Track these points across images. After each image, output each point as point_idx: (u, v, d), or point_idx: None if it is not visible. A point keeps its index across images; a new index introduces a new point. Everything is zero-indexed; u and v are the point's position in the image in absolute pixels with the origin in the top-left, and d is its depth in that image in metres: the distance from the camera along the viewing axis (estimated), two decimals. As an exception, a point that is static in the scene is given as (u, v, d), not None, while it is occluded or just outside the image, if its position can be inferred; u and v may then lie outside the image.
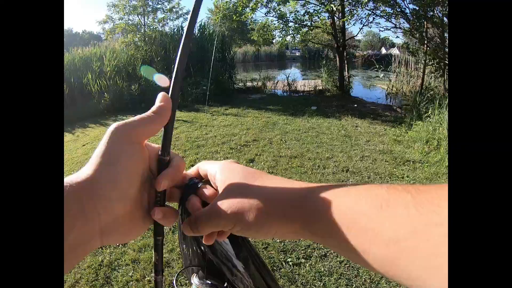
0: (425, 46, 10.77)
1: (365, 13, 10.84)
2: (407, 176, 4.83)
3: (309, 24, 11.27)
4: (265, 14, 10.96)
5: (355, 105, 9.68)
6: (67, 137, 7.32)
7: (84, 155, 5.94)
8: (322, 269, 2.81)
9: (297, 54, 37.30)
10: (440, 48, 11.26)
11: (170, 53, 11.48)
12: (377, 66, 15.07)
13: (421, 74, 13.97)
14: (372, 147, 5.98)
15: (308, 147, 5.87)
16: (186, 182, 0.49)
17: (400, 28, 11.41)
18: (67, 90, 9.39)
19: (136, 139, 0.42)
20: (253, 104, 9.57)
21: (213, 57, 11.19)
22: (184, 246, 0.56)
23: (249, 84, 13.02)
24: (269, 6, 10.69)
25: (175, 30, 12.71)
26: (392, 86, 13.61)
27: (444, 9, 10.04)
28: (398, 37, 13.99)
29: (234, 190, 0.42)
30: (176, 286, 2.02)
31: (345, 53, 11.86)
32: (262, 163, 5.19)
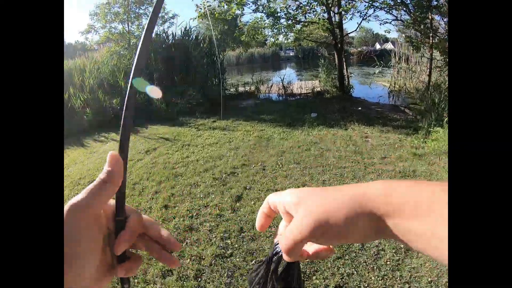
0: (431, 38, 9.43)
1: (364, 5, 9.56)
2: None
3: (303, 19, 9.95)
4: (253, 11, 9.57)
5: (359, 108, 8.33)
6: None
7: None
8: None
9: (291, 54, 35.87)
10: (447, 40, 9.94)
11: (155, 61, 10.10)
12: (378, 63, 13.76)
13: (426, 69, 12.81)
14: (390, 168, 4.65)
15: (311, 173, 4.51)
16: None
17: (401, 20, 10.03)
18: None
19: (92, 215, 0.41)
20: (245, 113, 8.20)
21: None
22: None
23: (241, 88, 11.65)
24: (258, 3, 9.33)
25: (163, 36, 11.23)
26: (395, 83, 12.28)
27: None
28: (395, 31, 12.84)
29: (313, 200, 0.42)
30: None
31: (343, 50, 10.52)
32: (252, 202, 3.84)
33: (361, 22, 9.92)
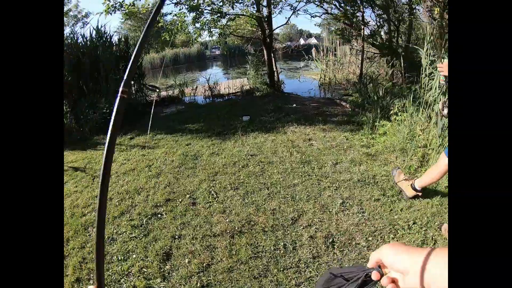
0: (363, 31, 8.88)
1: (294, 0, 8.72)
2: (414, 223, 2.89)
3: (230, 12, 8.80)
4: (174, 4, 8.11)
5: (294, 105, 7.43)
6: None
7: None
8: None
9: (217, 53, 34.54)
10: (378, 32, 9.51)
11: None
12: (306, 57, 13.19)
13: (356, 60, 12.44)
14: (347, 176, 3.75)
15: (255, 201, 3.39)
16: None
17: (331, 14, 9.35)
18: None
19: None
20: (168, 123, 6.82)
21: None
22: None
23: (163, 93, 10.19)
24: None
25: (72, 38, 9.13)
26: (324, 75, 11.72)
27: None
28: (322, 26, 12.25)
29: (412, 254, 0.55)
30: None
31: (272, 46, 9.59)
32: (186, 259, 2.66)
33: (291, 15, 9.04)
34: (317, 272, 2.40)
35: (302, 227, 2.93)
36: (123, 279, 2.50)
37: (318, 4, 8.80)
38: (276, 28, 9.36)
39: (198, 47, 30.98)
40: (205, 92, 9.81)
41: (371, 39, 9.33)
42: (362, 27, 8.85)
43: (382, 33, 9.46)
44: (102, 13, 8.29)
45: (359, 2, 8.53)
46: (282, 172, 3.96)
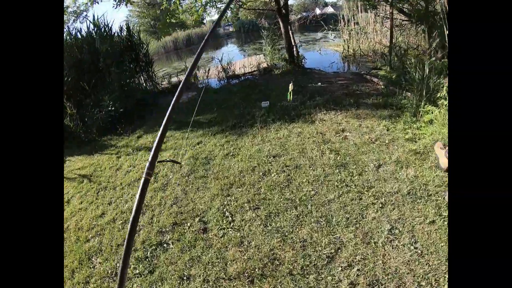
0: None
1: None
2: None
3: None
4: None
5: (319, 83, 6.43)
6: None
7: None
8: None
9: (231, 30, 33.06)
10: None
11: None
12: (326, 27, 11.94)
13: (382, 29, 11.11)
14: (394, 186, 2.87)
15: (280, 228, 2.56)
16: None
17: None
18: None
19: None
20: (177, 114, 6.00)
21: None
22: None
23: (175, 79, 9.33)
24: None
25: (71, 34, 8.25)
26: (348, 46, 10.49)
27: None
28: None
29: None
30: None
31: (289, 17, 8.49)
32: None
33: None
34: None
35: (340, 268, 2.11)
36: None
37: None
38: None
39: (211, 26, 29.50)
40: (219, 74, 8.88)
41: (400, 4, 8.08)
42: None
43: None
44: (87, 3, 7.45)
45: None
46: (313, 182, 3.08)
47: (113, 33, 8.39)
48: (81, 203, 3.69)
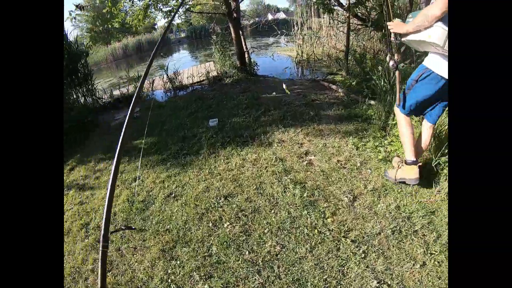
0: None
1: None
2: None
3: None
4: None
5: (273, 93, 5.71)
6: None
7: None
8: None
9: (183, 36, 31.82)
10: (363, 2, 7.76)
11: None
12: (280, 32, 11.32)
13: (338, 34, 10.65)
14: (375, 226, 2.29)
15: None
16: None
17: None
18: None
19: None
20: (115, 137, 5.03)
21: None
22: None
23: (116, 92, 8.22)
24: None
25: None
26: (302, 51, 9.93)
27: None
28: None
29: None
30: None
31: (240, 21, 7.73)
32: None
33: None
34: None
35: None
36: None
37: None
38: (241, 0, 7.45)
39: (162, 32, 28.20)
40: (165, 85, 7.91)
41: (356, 9, 7.62)
42: None
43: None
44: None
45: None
46: (278, 231, 2.32)
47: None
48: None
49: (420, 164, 2.55)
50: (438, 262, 1.89)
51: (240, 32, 7.63)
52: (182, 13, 7.18)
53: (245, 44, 7.83)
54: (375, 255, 2.00)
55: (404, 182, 2.55)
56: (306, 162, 3.20)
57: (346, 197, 2.56)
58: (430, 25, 1.89)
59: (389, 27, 2.28)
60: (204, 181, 3.15)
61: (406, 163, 2.50)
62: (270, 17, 33.57)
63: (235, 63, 7.89)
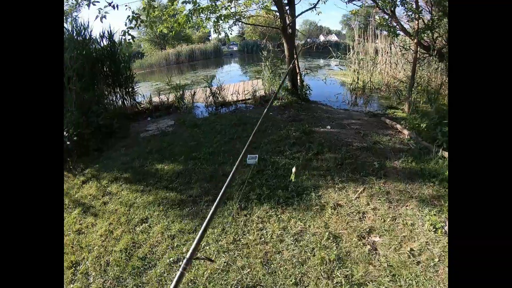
0: (417, 22, 5.95)
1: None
2: None
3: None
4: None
5: (328, 127, 4.73)
6: None
7: None
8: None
9: (235, 49, 31.55)
10: (433, 26, 6.63)
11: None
12: (336, 55, 10.32)
13: (399, 61, 9.49)
14: None
15: None
16: None
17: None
18: None
19: None
20: (136, 157, 4.29)
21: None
22: None
23: (156, 99, 7.62)
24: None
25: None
26: (358, 78, 8.83)
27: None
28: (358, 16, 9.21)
29: None
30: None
31: (295, 37, 6.86)
32: None
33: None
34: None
35: None
36: None
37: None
38: (301, 13, 6.53)
39: (215, 43, 28.25)
40: (207, 98, 7.18)
41: (424, 34, 6.48)
42: (415, 17, 5.89)
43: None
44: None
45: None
46: None
47: (88, 38, 6.70)
48: None
49: None
50: None
51: (294, 51, 6.75)
52: (232, 23, 6.38)
53: (298, 64, 6.93)
54: None
55: None
56: (368, 246, 2.17)
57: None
58: None
59: None
60: (224, 253, 2.22)
61: None
62: (322, 38, 32.60)
63: (285, 84, 7.01)
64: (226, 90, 7.61)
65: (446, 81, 6.93)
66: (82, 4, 6.41)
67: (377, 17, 8.71)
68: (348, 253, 2.12)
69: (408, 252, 2.10)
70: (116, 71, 7.22)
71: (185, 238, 2.45)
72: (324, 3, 6.34)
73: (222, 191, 1.20)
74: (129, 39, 4.33)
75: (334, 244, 2.19)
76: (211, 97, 7.05)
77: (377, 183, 2.97)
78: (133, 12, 4.18)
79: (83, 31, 6.58)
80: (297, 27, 6.58)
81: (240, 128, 4.82)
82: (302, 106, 5.94)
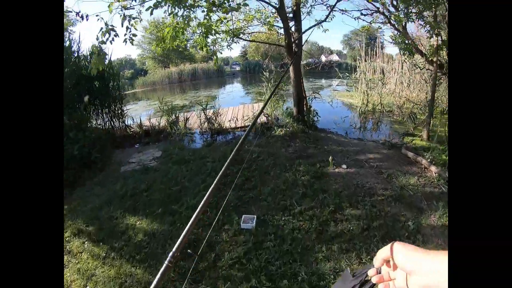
0: (436, 38, 5.04)
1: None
2: None
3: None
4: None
5: (344, 166, 3.79)
6: None
7: None
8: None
9: (237, 69, 30.86)
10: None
11: None
12: (342, 76, 9.48)
13: (411, 81, 8.62)
14: None
15: None
16: None
17: (383, 13, 5.46)
18: None
19: None
20: (107, 203, 3.39)
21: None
22: None
23: (146, 123, 6.75)
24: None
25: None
26: (367, 100, 7.93)
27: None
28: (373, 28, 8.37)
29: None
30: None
31: (301, 57, 6.02)
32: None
33: (329, 13, 5.33)
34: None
35: None
36: None
37: None
38: (308, 29, 5.65)
39: (218, 63, 27.66)
40: (201, 124, 6.29)
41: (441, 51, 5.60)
42: (435, 33, 4.98)
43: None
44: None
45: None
46: None
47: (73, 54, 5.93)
48: None
49: None
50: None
51: (300, 71, 5.90)
52: (230, 40, 5.52)
53: (303, 87, 6.06)
54: None
55: None
56: None
57: None
58: None
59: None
60: None
61: None
62: (323, 58, 32.04)
63: (289, 109, 6.11)
64: (223, 115, 6.73)
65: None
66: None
67: (388, 33, 7.86)
68: None
69: None
70: (103, 90, 6.41)
71: None
72: (331, 19, 5.49)
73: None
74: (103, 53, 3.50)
75: None
76: (206, 123, 6.16)
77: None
78: (106, 24, 3.32)
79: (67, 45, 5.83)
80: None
81: (234, 168, 3.88)
82: (309, 136, 5.01)
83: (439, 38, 4.90)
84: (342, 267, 2.02)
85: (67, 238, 2.92)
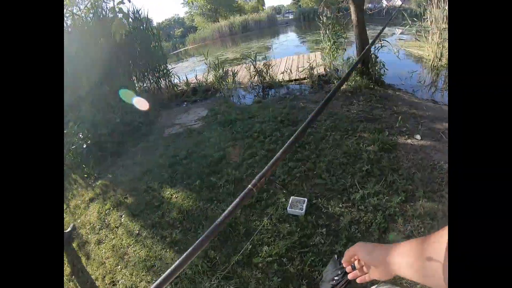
0: None
1: None
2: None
3: None
4: None
5: (417, 136, 2.96)
6: None
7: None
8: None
9: (290, 17, 28.61)
10: None
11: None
12: (409, 21, 7.92)
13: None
14: None
15: None
16: None
17: None
18: None
19: None
20: (161, 159, 3.09)
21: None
22: None
23: (193, 81, 6.28)
24: None
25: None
26: (441, 53, 6.53)
27: None
28: None
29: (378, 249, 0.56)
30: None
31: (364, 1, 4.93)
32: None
33: None
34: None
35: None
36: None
37: None
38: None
39: (269, 12, 25.93)
40: (251, 78, 5.63)
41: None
42: None
43: None
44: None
45: None
46: None
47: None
48: None
49: None
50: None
51: (363, 16, 4.86)
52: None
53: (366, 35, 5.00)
54: None
55: None
56: None
57: None
58: None
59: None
60: None
61: None
62: (385, 3, 28.43)
63: (352, 59, 5.17)
64: (276, 67, 5.98)
65: None
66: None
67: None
68: None
69: None
70: (146, 52, 6.00)
71: None
72: None
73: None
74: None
75: None
76: (256, 76, 5.49)
77: None
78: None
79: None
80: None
81: (286, 130, 3.24)
82: (376, 94, 4.12)
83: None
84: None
85: (106, 211, 2.70)
